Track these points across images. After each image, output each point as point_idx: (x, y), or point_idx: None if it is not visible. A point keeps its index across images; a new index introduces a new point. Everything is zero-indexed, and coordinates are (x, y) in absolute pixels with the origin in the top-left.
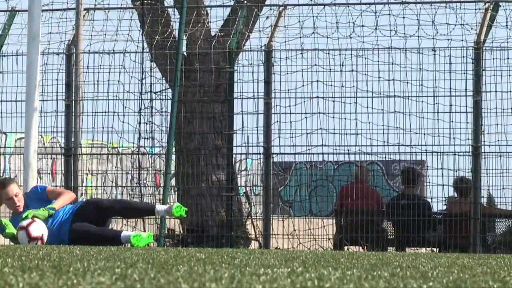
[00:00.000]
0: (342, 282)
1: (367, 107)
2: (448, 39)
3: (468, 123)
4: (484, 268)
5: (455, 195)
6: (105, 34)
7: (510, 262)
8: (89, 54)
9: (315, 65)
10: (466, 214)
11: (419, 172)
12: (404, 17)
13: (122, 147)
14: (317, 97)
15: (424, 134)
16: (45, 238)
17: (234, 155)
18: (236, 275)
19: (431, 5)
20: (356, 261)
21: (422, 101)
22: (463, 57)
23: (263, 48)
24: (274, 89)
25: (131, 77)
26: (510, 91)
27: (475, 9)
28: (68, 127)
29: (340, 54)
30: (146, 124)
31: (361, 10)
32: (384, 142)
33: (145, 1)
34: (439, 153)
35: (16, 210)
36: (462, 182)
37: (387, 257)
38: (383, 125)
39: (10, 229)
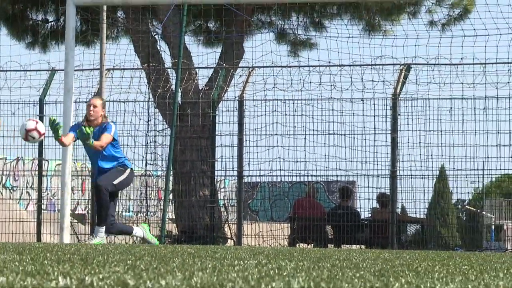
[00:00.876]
0: (296, 271)
1: (313, 141)
2: (373, 92)
3: (387, 153)
4: (401, 261)
5: (378, 206)
6: (121, 88)
7: (420, 256)
8: (109, 102)
9: (275, 111)
10: (386, 220)
11: (351, 189)
12: (340, 76)
13: (134, 170)
14: (276, 134)
15: (356, 161)
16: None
17: (216, 177)
18: (217, 266)
19: (360, 66)
20: (306, 255)
21: (354, 137)
22: (384, 105)
23: (237, 98)
24: (245, 129)
25: (140, 119)
26: (418, 130)
27: (393, 70)
28: None
29: (293, 103)
30: (151, 154)
31: (309, 70)
32: (326, 167)
33: (151, 64)
34: (366, 175)
35: (87, 117)
36: (383, 196)
37: (328, 252)
38: (325, 155)
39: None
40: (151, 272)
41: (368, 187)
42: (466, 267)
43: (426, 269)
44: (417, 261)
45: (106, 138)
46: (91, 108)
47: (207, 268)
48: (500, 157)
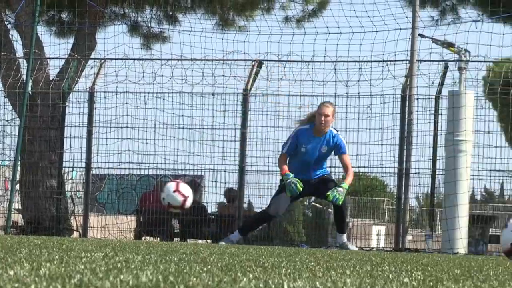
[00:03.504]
0: (143, 264)
1: (163, 135)
2: (224, 87)
3: (236, 148)
4: (247, 256)
5: (225, 201)
6: None
7: (266, 251)
8: None
9: (126, 103)
10: (232, 215)
11: (198, 183)
12: (192, 70)
13: None
14: (127, 127)
15: (204, 156)
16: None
17: (63, 168)
18: (64, 257)
19: (212, 61)
20: (153, 248)
21: (203, 132)
22: (234, 100)
23: (88, 90)
24: (95, 120)
25: None
26: (267, 126)
27: (245, 65)
28: None
29: (144, 96)
30: None
31: (161, 64)
32: (174, 161)
33: (3, 53)
34: (214, 170)
35: (318, 128)
36: (230, 191)
37: (175, 246)
38: (174, 149)
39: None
40: None
41: (216, 181)
42: (312, 263)
43: (273, 265)
44: (263, 256)
45: (348, 160)
46: (322, 118)
47: (55, 259)
48: (355, 155)
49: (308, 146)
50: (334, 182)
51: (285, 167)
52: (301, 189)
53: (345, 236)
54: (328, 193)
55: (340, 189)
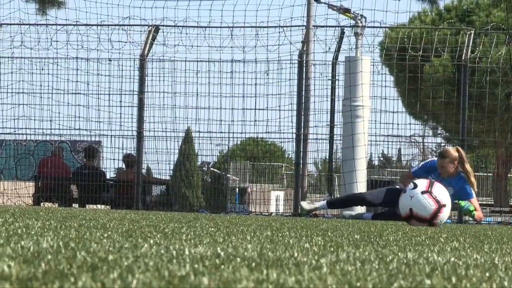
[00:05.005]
0: (43, 230)
1: (59, 101)
2: (120, 52)
3: (133, 114)
4: (147, 222)
5: (123, 167)
6: None
7: (165, 217)
8: None
9: (21, 69)
10: (131, 181)
11: (96, 149)
12: (88, 36)
13: None
14: (23, 92)
15: (102, 122)
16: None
17: None
18: None
19: (108, 27)
20: (52, 214)
21: (100, 98)
22: (131, 66)
23: None
24: None
25: None
26: (165, 92)
27: (141, 31)
28: None
29: (40, 61)
30: None
31: (56, 29)
32: (71, 127)
33: None
34: (112, 136)
35: (445, 173)
36: (129, 157)
37: (74, 212)
38: (70, 115)
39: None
40: None
41: (114, 147)
42: (213, 229)
43: (173, 231)
44: (163, 222)
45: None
46: (440, 166)
47: None
48: (245, 121)
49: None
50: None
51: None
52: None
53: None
54: (462, 201)
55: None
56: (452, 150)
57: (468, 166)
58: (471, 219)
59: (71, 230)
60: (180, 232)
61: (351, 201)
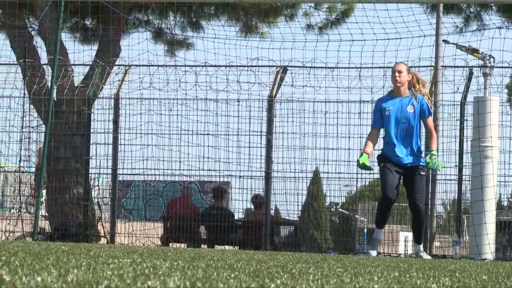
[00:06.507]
0: (171, 270)
1: (188, 142)
2: (248, 93)
3: (262, 155)
4: (275, 262)
5: (252, 207)
6: None
7: (293, 258)
8: None
9: (151, 110)
10: (259, 222)
11: (225, 189)
12: (216, 77)
13: (8, 166)
14: (152, 133)
15: (230, 162)
16: None
17: (90, 174)
18: (92, 263)
19: (237, 68)
20: (180, 254)
21: (229, 139)
22: (259, 107)
23: (113, 96)
24: (120, 127)
25: (15, 115)
26: (293, 133)
27: (269, 72)
28: None
29: (169, 102)
30: (25, 150)
31: (185, 70)
32: (199, 167)
33: (27, 60)
34: (240, 176)
35: (395, 88)
36: (257, 198)
37: (202, 252)
38: (199, 155)
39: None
40: (26, 269)
41: (242, 188)
42: (340, 269)
43: (300, 271)
44: (291, 262)
45: (432, 124)
46: (396, 74)
47: (82, 265)
48: (373, 161)
49: (391, 107)
50: (423, 178)
51: (367, 147)
52: (362, 165)
53: (421, 246)
54: (428, 160)
55: (434, 155)
56: (400, 62)
57: (422, 88)
58: None
59: (198, 270)
60: (307, 272)
61: (381, 207)
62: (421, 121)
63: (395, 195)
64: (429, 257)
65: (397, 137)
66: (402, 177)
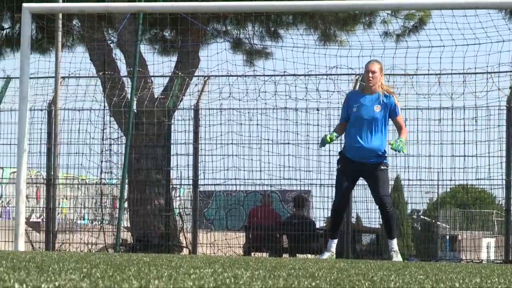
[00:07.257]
0: (252, 279)
1: (268, 151)
2: (328, 102)
3: None
4: (356, 270)
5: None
6: (76, 96)
7: (375, 265)
8: (64, 110)
9: (230, 120)
10: (341, 230)
11: (306, 198)
12: (295, 86)
13: (89, 178)
14: (232, 143)
15: (311, 171)
16: None
17: (171, 185)
18: (173, 274)
19: (316, 76)
20: (261, 264)
21: (309, 147)
22: (339, 115)
23: (193, 107)
24: (200, 137)
25: (95, 127)
26: None
27: (348, 80)
28: (49, 163)
29: (248, 112)
30: (106, 162)
31: (264, 80)
32: (280, 177)
33: (106, 72)
34: (321, 185)
35: (367, 86)
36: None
37: (284, 261)
38: (279, 165)
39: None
40: (107, 280)
41: (323, 196)
42: (421, 277)
43: (382, 279)
44: (372, 270)
45: (401, 120)
46: (370, 74)
47: (163, 276)
48: (454, 168)
49: (359, 104)
50: (386, 173)
51: (336, 130)
52: (329, 140)
53: (394, 242)
54: (392, 142)
55: (400, 140)
56: (374, 60)
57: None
58: None
59: (279, 279)
60: (389, 280)
61: (332, 218)
62: (390, 119)
63: (346, 202)
64: (400, 258)
65: (361, 135)
66: (362, 175)
